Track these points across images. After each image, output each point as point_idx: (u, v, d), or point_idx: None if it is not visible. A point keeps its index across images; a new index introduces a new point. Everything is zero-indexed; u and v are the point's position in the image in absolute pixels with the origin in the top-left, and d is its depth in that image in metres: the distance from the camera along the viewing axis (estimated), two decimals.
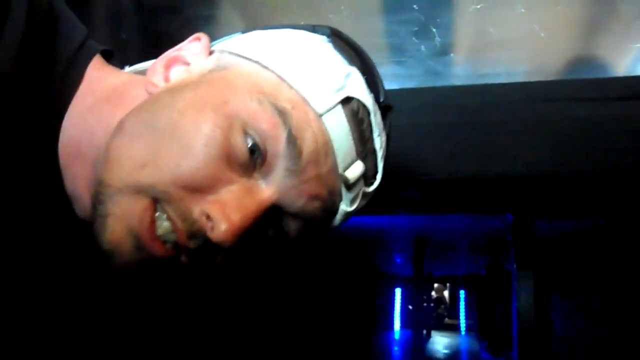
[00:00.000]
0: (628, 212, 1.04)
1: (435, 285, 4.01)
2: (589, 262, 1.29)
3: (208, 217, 0.43)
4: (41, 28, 0.45)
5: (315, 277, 1.40)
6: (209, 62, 0.49)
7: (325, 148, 0.46)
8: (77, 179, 0.49)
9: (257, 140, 0.44)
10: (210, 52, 0.50)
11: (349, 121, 0.47)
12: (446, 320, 3.84)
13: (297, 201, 0.46)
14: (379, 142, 0.50)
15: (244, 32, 0.52)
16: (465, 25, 0.84)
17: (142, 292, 0.62)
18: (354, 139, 0.48)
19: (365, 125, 0.49)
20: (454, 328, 3.45)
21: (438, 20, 0.83)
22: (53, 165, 0.48)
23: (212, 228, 0.42)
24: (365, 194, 0.52)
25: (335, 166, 0.47)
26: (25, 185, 0.48)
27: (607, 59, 0.82)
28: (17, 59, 0.42)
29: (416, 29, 0.84)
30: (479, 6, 0.82)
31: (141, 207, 0.43)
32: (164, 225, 0.43)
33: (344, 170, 0.47)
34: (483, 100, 0.78)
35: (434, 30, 0.84)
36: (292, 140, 0.44)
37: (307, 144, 0.44)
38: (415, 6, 0.84)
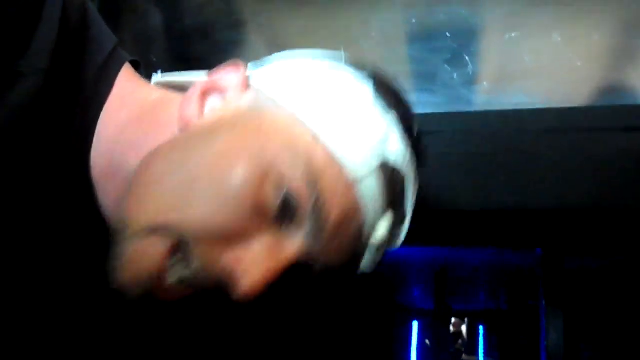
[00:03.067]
0: None
1: (453, 319, 3.92)
2: (620, 298, 1.24)
3: (231, 271, 0.42)
4: (73, 34, 0.45)
5: (331, 309, 1.37)
6: (246, 100, 0.47)
7: (353, 214, 0.45)
8: (106, 196, 0.48)
9: (289, 196, 0.42)
10: (247, 85, 0.48)
11: (382, 184, 0.46)
12: (464, 356, 3.74)
13: (319, 259, 0.45)
14: (411, 199, 0.49)
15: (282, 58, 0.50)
16: (499, 54, 0.82)
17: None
18: (385, 200, 0.46)
19: (399, 187, 0.47)
20: None
21: (471, 48, 0.82)
22: (85, 177, 0.47)
23: (234, 284, 0.42)
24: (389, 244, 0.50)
25: (361, 229, 0.46)
26: (57, 195, 0.47)
27: None
28: (50, 65, 0.42)
29: (448, 56, 0.83)
30: (513, 34, 0.81)
31: (158, 251, 0.42)
32: (179, 273, 0.43)
33: (371, 231, 0.46)
34: (515, 126, 0.75)
35: (467, 58, 0.83)
36: (317, 209, 0.42)
37: (334, 212, 0.43)
38: (447, 34, 0.83)
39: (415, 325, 3.24)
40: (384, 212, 0.46)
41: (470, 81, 0.82)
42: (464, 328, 3.90)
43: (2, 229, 0.46)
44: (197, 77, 0.53)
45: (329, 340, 1.37)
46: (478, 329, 3.39)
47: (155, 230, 0.42)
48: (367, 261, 0.48)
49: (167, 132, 0.46)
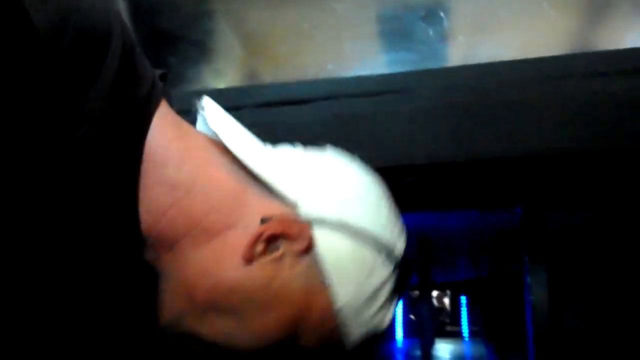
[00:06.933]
0: None
1: (436, 292, 3.97)
2: (603, 253, 1.27)
3: None
4: (127, 66, 0.44)
5: None
6: (301, 270, 0.49)
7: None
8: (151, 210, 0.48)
9: None
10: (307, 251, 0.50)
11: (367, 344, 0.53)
12: (448, 327, 3.80)
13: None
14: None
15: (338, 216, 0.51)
16: (474, 8, 0.82)
17: None
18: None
19: (378, 339, 0.54)
20: (456, 335, 3.41)
21: (445, 4, 0.82)
22: (134, 212, 0.47)
23: None
24: None
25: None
26: (105, 226, 0.47)
27: (618, 34, 0.81)
28: (109, 96, 0.42)
29: (423, 13, 0.83)
30: None
31: None
32: None
33: None
34: (493, 78, 0.76)
35: (442, 14, 0.82)
36: None
37: None
38: None
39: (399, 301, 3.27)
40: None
41: (446, 37, 0.82)
42: (446, 300, 3.96)
43: (57, 254, 0.46)
44: (262, 157, 0.51)
45: None
46: (460, 300, 3.45)
47: None
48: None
49: (232, 236, 0.48)
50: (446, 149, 0.73)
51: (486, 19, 0.82)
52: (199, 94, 0.95)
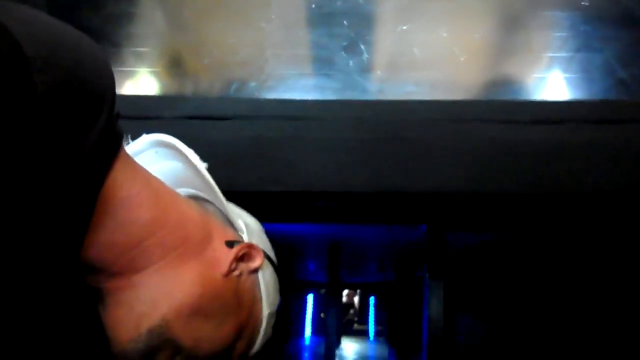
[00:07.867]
0: (533, 228, 1.13)
1: (346, 291, 4.07)
2: (495, 271, 1.37)
3: None
4: (112, 114, 0.49)
5: None
6: (251, 282, 0.61)
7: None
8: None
9: None
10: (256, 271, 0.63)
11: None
12: (355, 326, 3.92)
13: None
14: None
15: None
16: (392, 44, 0.87)
17: None
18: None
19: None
20: (363, 334, 3.53)
21: (366, 37, 0.86)
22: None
23: None
24: None
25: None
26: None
27: (517, 85, 0.89)
28: (98, 140, 0.46)
29: (345, 44, 0.86)
30: (405, 27, 0.85)
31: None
32: None
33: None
34: (404, 116, 0.81)
35: (362, 46, 0.86)
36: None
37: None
38: (345, 22, 0.86)
39: (310, 298, 3.34)
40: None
41: (365, 69, 0.86)
42: (356, 299, 4.09)
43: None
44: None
45: None
46: (369, 300, 3.58)
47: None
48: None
49: (206, 256, 0.57)
50: (356, 180, 0.78)
51: (403, 56, 0.87)
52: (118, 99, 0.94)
